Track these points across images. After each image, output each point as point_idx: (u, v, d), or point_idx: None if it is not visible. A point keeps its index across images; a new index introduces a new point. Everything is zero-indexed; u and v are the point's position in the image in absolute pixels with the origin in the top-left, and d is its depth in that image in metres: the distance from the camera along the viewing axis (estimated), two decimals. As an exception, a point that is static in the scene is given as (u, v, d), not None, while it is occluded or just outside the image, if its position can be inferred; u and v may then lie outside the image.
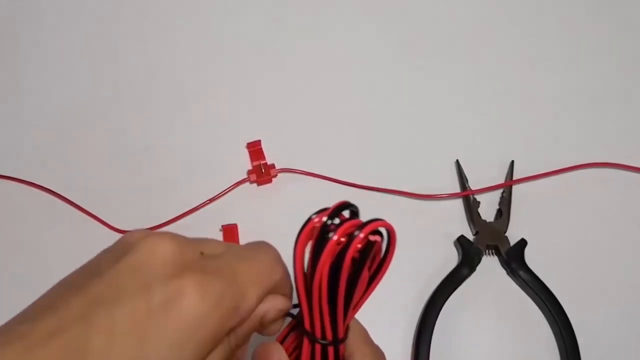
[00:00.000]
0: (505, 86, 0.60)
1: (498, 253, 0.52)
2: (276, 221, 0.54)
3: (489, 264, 0.52)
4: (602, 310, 0.50)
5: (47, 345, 0.23)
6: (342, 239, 0.27)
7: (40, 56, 0.62)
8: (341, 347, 0.31)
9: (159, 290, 0.25)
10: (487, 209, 0.54)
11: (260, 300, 0.30)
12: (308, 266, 0.28)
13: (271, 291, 0.31)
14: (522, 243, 0.52)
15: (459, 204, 0.55)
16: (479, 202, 0.54)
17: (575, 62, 0.62)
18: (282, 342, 0.32)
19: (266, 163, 0.55)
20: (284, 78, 0.60)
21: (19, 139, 0.58)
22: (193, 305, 0.26)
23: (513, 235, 0.52)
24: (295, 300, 0.32)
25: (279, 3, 0.64)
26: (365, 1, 0.64)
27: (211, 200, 0.54)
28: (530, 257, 0.51)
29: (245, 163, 0.56)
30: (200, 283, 0.26)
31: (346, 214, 0.29)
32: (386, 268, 0.30)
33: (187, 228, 0.53)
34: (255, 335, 0.32)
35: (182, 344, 0.25)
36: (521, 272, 0.50)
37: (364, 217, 0.53)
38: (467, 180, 0.55)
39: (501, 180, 0.55)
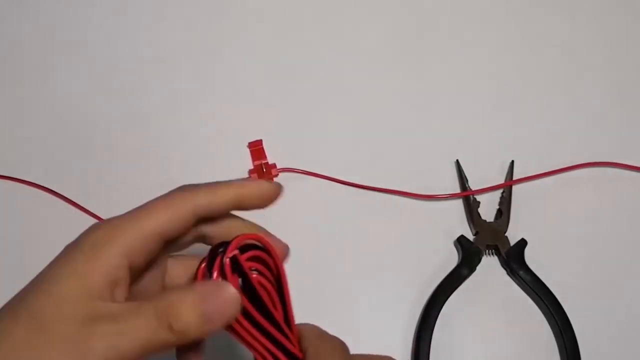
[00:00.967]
0: (505, 86, 0.60)
1: (498, 253, 0.52)
2: (277, 221, 0.53)
3: (489, 264, 0.52)
4: (602, 310, 0.50)
5: None
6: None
7: (40, 56, 0.61)
8: None
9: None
10: (487, 209, 0.54)
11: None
12: None
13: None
14: (522, 243, 0.51)
15: (459, 204, 0.54)
16: (479, 202, 0.53)
17: (575, 62, 0.61)
18: None
19: (267, 163, 0.55)
20: (285, 78, 0.60)
21: (18, 139, 0.57)
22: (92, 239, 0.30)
23: (513, 235, 0.52)
24: None
25: (279, 3, 0.64)
26: (367, 1, 0.64)
27: (212, 199, 0.53)
28: (530, 257, 0.51)
29: (246, 162, 0.55)
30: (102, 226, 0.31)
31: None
32: (284, 274, 0.31)
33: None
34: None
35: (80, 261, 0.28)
36: (521, 272, 0.50)
37: (364, 216, 0.53)
38: (467, 180, 0.54)
39: (501, 180, 0.55)
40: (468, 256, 0.51)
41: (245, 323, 0.28)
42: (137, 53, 0.61)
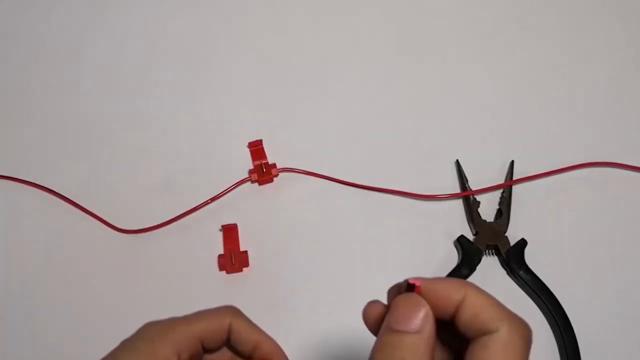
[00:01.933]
0: (505, 86, 0.59)
1: (498, 253, 0.51)
2: (277, 220, 0.53)
3: (489, 264, 0.51)
4: (602, 310, 0.49)
5: None
6: None
7: (40, 56, 0.61)
8: None
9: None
10: (487, 209, 0.53)
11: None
12: None
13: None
14: (522, 243, 0.50)
15: (459, 204, 0.53)
16: (479, 202, 0.52)
17: (575, 62, 0.60)
18: None
19: (267, 162, 0.54)
20: (285, 78, 0.59)
21: (19, 139, 0.57)
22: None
23: (513, 235, 0.51)
24: None
25: (280, 4, 0.63)
26: (366, 3, 0.63)
27: (212, 199, 0.53)
28: (530, 257, 0.50)
29: (246, 162, 0.55)
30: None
31: None
32: None
33: (188, 227, 0.52)
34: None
35: None
36: (521, 272, 0.49)
37: (364, 216, 0.52)
38: (467, 180, 0.53)
39: (501, 180, 0.54)
40: (468, 256, 0.50)
41: None
42: (137, 53, 0.61)
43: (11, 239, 0.52)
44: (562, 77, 0.59)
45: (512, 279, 0.50)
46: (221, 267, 0.50)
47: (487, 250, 0.51)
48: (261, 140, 0.55)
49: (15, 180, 0.54)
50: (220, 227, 0.51)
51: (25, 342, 0.48)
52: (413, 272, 0.49)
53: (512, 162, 0.54)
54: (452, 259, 0.51)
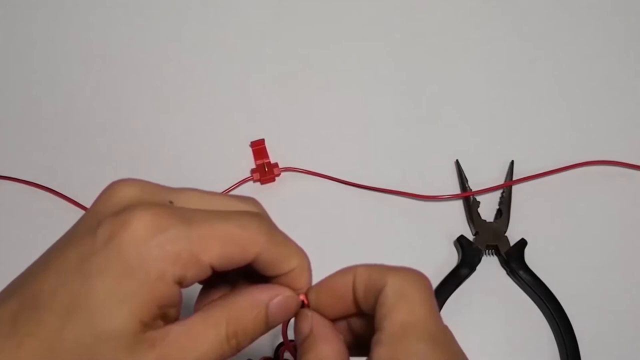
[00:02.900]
0: (505, 86, 0.58)
1: (498, 253, 0.50)
2: (279, 220, 0.52)
3: (489, 264, 0.50)
4: (602, 310, 0.49)
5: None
6: None
7: (40, 56, 0.60)
8: None
9: (105, 225, 0.24)
10: (487, 209, 0.52)
11: (223, 260, 0.25)
12: None
13: (247, 259, 0.26)
14: (522, 243, 0.50)
15: (459, 204, 0.53)
16: (478, 202, 0.52)
17: (574, 61, 0.60)
18: None
19: (269, 162, 0.54)
20: (287, 78, 0.59)
21: (18, 139, 0.56)
22: (135, 236, 0.24)
23: (513, 235, 0.50)
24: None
25: (281, 4, 0.62)
26: (367, 4, 0.62)
27: (214, 198, 0.52)
28: (530, 257, 0.49)
29: (248, 162, 0.54)
30: (150, 217, 0.24)
31: None
32: None
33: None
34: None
35: (126, 279, 0.23)
36: (521, 272, 0.49)
37: (365, 216, 0.52)
38: (467, 181, 0.53)
39: (501, 181, 0.53)
40: (468, 256, 0.49)
41: None
42: (138, 53, 0.60)
43: (11, 239, 0.52)
44: (562, 77, 0.59)
45: (512, 279, 0.50)
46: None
47: (487, 251, 0.50)
48: (263, 140, 0.55)
49: (15, 181, 0.54)
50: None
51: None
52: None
53: (512, 162, 0.54)
54: (452, 259, 0.50)
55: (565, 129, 0.56)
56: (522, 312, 0.49)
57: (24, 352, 0.23)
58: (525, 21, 0.62)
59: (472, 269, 0.49)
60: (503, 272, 0.50)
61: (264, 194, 0.53)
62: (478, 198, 0.52)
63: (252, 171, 0.53)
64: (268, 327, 0.28)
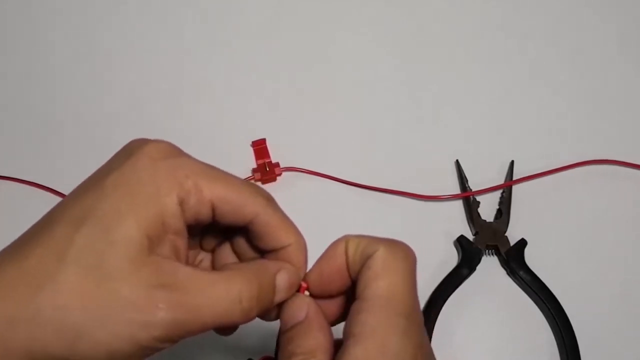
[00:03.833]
0: (505, 87, 0.58)
1: (498, 253, 0.50)
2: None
3: (489, 264, 0.50)
4: (602, 310, 0.48)
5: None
6: None
7: (40, 56, 0.59)
8: None
9: (126, 148, 0.28)
10: (487, 209, 0.52)
11: (223, 204, 0.27)
12: None
13: (246, 216, 0.28)
14: (522, 243, 0.49)
15: (459, 204, 0.52)
16: (478, 202, 0.51)
17: (574, 61, 0.59)
18: None
19: (271, 162, 0.53)
20: (289, 77, 0.58)
21: (18, 139, 0.55)
22: (150, 155, 0.27)
23: (513, 235, 0.50)
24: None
25: (282, 4, 0.62)
26: (368, 4, 0.62)
27: (216, 198, 0.51)
28: (530, 257, 0.49)
29: (249, 161, 0.54)
30: (166, 145, 0.28)
31: None
32: None
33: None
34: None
35: (136, 192, 0.25)
36: (521, 272, 0.48)
37: (365, 216, 0.51)
38: (467, 181, 0.52)
39: (501, 181, 0.53)
40: (468, 256, 0.49)
41: None
42: (139, 52, 0.60)
43: (12, 239, 0.51)
44: (562, 76, 0.58)
45: (512, 279, 0.49)
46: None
47: (487, 250, 0.50)
48: (264, 139, 0.54)
49: (15, 180, 0.53)
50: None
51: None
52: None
53: (512, 162, 0.53)
54: (452, 259, 0.50)
55: (565, 129, 0.55)
56: (522, 312, 0.48)
57: (30, 261, 0.24)
58: (526, 21, 0.61)
59: (472, 269, 0.48)
60: (503, 272, 0.50)
61: None
62: (478, 198, 0.52)
63: (253, 171, 0.53)
64: (274, 299, 0.28)
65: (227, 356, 0.46)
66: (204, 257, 0.32)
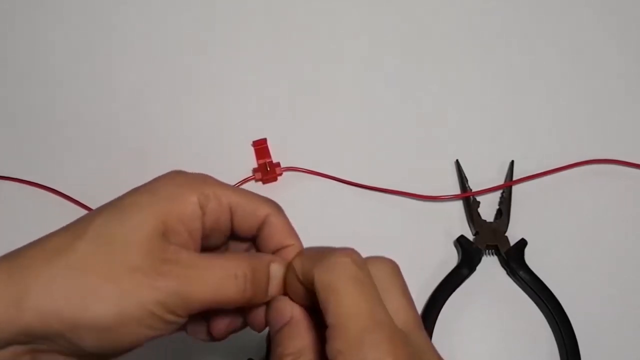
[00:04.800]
0: (505, 87, 0.57)
1: (498, 253, 0.49)
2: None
3: (489, 264, 0.49)
4: (602, 310, 0.48)
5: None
6: None
7: (40, 56, 0.59)
8: None
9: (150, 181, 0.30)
10: (487, 209, 0.51)
11: (238, 208, 0.30)
12: None
13: (257, 218, 0.30)
14: (522, 243, 0.49)
15: (459, 204, 0.52)
16: (478, 202, 0.51)
17: (574, 61, 0.58)
18: None
19: (272, 161, 0.53)
20: (290, 77, 0.58)
21: (19, 139, 0.55)
22: (171, 177, 0.30)
23: (513, 235, 0.49)
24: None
25: (283, 4, 0.61)
26: (368, 4, 0.61)
27: (216, 197, 0.51)
28: (530, 257, 0.48)
29: (250, 161, 0.53)
30: (185, 173, 0.30)
31: None
32: None
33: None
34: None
35: (155, 196, 0.28)
36: (521, 272, 0.48)
37: (365, 216, 0.51)
38: (467, 180, 0.52)
39: (501, 181, 0.52)
40: (468, 256, 0.48)
41: None
42: (139, 52, 0.59)
43: (12, 239, 0.50)
44: (562, 76, 0.58)
45: (512, 279, 0.49)
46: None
47: (487, 250, 0.49)
48: (265, 139, 0.53)
49: (15, 180, 0.52)
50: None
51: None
52: (413, 272, 0.48)
53: (512, 162, 0.53)
54: (452, 259, 0.49)
55: (565, 129, 0.55)
56: (522, 312, 0.48)
57: (52, 240, 0.27)
58: (525, 21, 0.60)
59: (472, 269, 0.48)
60: (503, 272, 0.49)
61: (266, 194, 0.50)
62: (478, 198, 0.51)
63: (254, 171, 0.52)
64: (267, 287, 0.29)
65: (227, 356, 0.46)
66: None
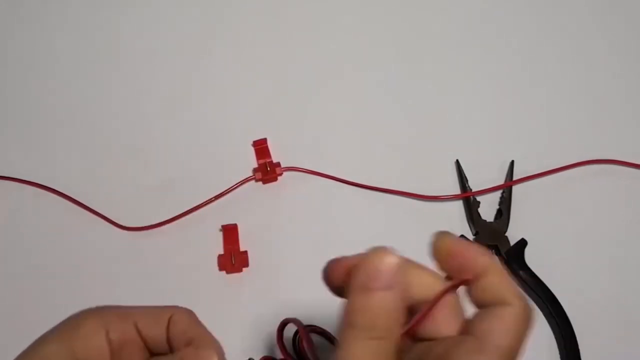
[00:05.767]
0: (505, 86, 0.57)
1: (498, 253, 0.49)
2: (281, 219, 0.51)
3: (489, 264, 0.49)
4: (602, 310, 0.47)
5: None
6: None
7: (40, 57, 0.59)
8: None
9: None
10: (487, 209, 0.51)
11: (146, 325, 0.30)
12: None
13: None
14: (522, 243, 0.49)
15: (459, 204, 0.52)
16: (479, 202, 0.51)
17: (574, 61, 0.58)
18: None
19: (272, 161, 0.52)
20: (290, 77, 0.57)
21: (19, 139, 0.55)
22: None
23: (513, 235, 0.49)
24: None
25: (283, 4, 0.61)
26: (368, 4, 0.61)
27: (216, 197, 0.51)
28: (530, 257, 0.48)
29: (251, 161, 0.53)
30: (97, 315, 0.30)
31: None
32: None
33: (191, 225, 0.50)
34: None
35: (67, 334, 0.29)
36: (521, 272, 0.47)
37: (366, 216, 0.50)
38: (467, 180, 0.52)
39: (501, 181, 0.52)
40: (468, 256, 0.48)
41: None
42: (139, 52, 0.59)
43: (12, 239, 0.50)
44: (562, 76, 0.57)
45: (512, 279, 0.48)
46: (221, 267, 0.49)
47: (487, 250, 0.49)
48: (266, 139, 0.53)
49: (15, 181, 0.52)
50: (220, 227, 0.49)
51: (26, 342, 0.46)
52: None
53: (512, 162, 0.52)
54: (452, 258, 0.49)
55: (565, 129, 0.55)
56: (522, 312, 0.47)
57: None
58: (525, 21, 0.60)
59: (473, 268, 0.48)
60: (503, 272, 0.49)
61: (266, 194, 0.52)
62: (478, 198, 0.51)
63: (254, 170, 0.52)
64: None
65: (227, 356, 0.45)
66: None
